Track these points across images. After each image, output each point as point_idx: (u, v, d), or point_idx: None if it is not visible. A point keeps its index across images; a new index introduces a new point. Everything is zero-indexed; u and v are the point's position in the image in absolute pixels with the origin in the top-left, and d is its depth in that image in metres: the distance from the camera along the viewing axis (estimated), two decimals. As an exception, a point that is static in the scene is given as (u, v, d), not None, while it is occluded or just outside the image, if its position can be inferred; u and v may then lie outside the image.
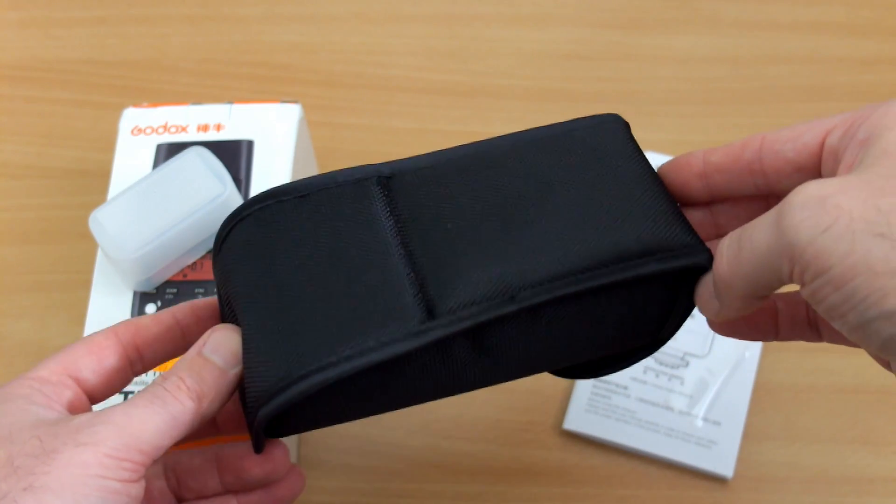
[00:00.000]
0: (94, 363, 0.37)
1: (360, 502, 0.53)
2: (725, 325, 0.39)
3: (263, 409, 0.34)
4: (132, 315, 0.49)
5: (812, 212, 0.30)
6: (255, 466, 0.39)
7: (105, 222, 0.49)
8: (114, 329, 0.38)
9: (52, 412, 0.35)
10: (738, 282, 0.33)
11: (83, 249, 0.58)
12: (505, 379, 0.39)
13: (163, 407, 0.34)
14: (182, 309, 0.39)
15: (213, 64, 0.66)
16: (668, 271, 0.36)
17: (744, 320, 0.39)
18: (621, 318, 0.38)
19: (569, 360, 0.40)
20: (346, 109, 0.65)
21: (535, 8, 0.68)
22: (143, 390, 0.35)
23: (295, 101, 0.55)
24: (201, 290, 0.50)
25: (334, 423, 0.38)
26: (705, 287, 0.36)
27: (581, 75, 0.65)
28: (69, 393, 0.36)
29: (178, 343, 0.39)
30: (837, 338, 0.38)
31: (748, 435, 0.53)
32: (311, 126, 0.58)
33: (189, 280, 0.50)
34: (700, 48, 0.66)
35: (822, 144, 0.35)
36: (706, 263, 0.36)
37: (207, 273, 0.50)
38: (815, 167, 0.35)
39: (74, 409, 0.36)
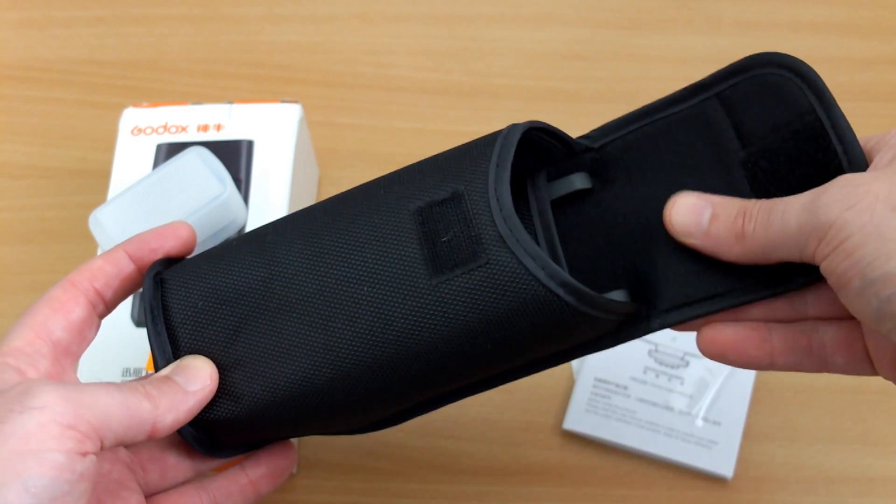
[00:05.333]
0: (62, 320, 0.37)
1: (360, 502, 0.53)
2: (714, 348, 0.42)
3: None
4: (132, 316, 0.50)
5: (844, 192, 0.34)
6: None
7: (105, 222, 0.49)
8: (70, 280, 0.38)
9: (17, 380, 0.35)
10: (756, 244, 0.36)
11: (83, 249, 0.58)
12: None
13: (118, 391, 0.35)
14: (132, 242, 0.40)
15: (213, 64, 0.66)
16: None
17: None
18: None
19: None
20: (346, 109, 0.65)
21: (535, 8, 0.68)
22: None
23: (295, 101, 0.55)
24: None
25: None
26: (695, 203, 0.38)
27: (581, 75, 0.65)
28: (45, 363, 0.36)
29: (135, 278, 0.40)
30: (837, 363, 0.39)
31: (748, 435, 0.53)
32: (311, 126, 0.58)
33: (189, 280, 0.50)
34: (700, 48, 0.66)
35: None
36: None
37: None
38: None
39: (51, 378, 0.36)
